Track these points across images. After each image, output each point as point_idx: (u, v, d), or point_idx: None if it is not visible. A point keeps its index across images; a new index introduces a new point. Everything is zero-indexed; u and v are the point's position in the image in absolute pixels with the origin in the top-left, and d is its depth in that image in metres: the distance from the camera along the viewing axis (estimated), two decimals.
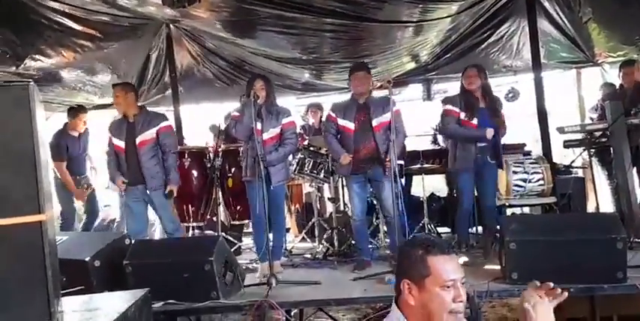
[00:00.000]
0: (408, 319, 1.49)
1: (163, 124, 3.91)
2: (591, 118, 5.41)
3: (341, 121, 3.79)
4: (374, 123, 3.70)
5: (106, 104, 6.39)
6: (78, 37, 4.86)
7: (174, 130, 4.02)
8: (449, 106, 3.89)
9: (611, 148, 4.21)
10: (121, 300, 2.12)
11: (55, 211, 4.80)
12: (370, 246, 4.15)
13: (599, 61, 6.26)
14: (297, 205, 5.83)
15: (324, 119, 6.01)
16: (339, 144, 3.80)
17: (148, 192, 3.82)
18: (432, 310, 1.45)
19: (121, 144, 3.87)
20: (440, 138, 5.38)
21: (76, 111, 5.13)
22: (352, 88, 3.84)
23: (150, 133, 3.85)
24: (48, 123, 5.09)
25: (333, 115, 3.84)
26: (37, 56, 4.90)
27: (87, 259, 3.03)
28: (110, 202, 5.82)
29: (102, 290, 2.73)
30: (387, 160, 3.59)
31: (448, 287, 1.46)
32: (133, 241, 3.29)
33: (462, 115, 3.82)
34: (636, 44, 3.29)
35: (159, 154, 3.88)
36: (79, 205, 5.38)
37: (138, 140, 3.81)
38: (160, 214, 3.91)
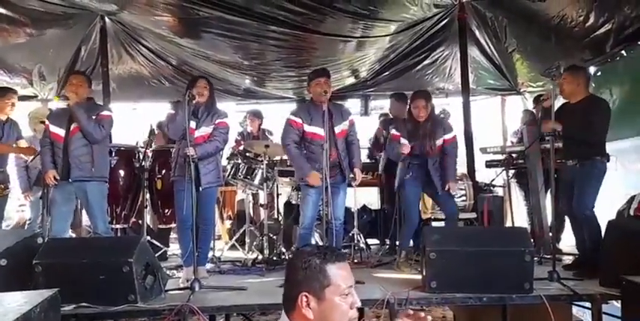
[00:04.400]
0: None
1: (104, 112, 3.71)
2: (512, 142, 5.81)
3: (309, 128, 3.63)
4: (336, 130, 3.66)
5: (28, 96, 5.98)
6: (1, 21, 4.53)
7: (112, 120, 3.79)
8: (394, 131, 4.03)
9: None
10: (25, 300, 1.97)
11: None
12: None
13: (521, 90, 6.77)
14: (230, 212, 5.74)
15: (263, 127, 6.06)
16: (304, 158, 3.63)
17: (86, 187, 3.58)
18: (333, 320, 1.40)
19: (61, 132, 3.61)
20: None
21: (3, 91, 4.61)
22: (314, 95, 3.69)
23: None
24: None
25: (299, 120, 3.64)
26: None
27: None
28: (24, 202, 5.40)
29: (8, 291, 2.51)
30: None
31: (346, 295, 1.41)
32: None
33: (402, 140, 3.95)
34: (550, 76, 3.60)
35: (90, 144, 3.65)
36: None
37: (72, 127, 3.58)
38: (93, 211, 3.64)
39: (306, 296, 1.38)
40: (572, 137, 3.51)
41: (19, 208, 5.52)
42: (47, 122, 3.69)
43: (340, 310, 1.39)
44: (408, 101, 4.09)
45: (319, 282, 1.39)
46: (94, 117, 3.64)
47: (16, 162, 4.93)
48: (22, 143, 4.67)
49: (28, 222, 5.23)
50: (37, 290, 2.28)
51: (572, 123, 3.50)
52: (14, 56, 5.43)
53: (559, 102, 3.74)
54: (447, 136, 3.99)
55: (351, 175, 3.76)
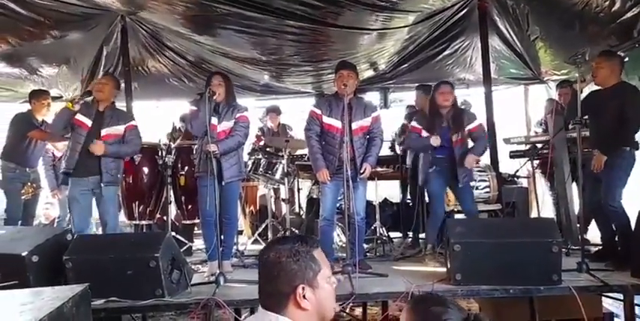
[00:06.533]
0: None
1: (132, 122, 3.87)
2: (535, 132, 5.69)
3: (327, 119, 3.65)
4: (353, 126, 3.62)
5: (53, 97, 6.11)
6: (24, 22, 4.62)
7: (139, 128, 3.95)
8: (414, 123, 4.02)
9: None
10: (57, 295, 2.01)
11: None
12: None
13: (545, 79, 6.61)
14: (252, 207, 5.79)
15: (283, 122, 6.09)
16: (320, 153, 3.64)
17: (101, 185, 3.68)
18: (327, 306, 1.38)
19: (88, 122, 3.72)
20: (397, 145, 5.50)
21: (39, 93, 4.78)
22: (337, 87, 3.67)
23: (117, 129, 3.78)
24: None
25: (319, 111, 3.68)
26: None
27: (24, 253, 2.89)
28: (52, 200, 5.54)
29: (39, 286, 2.58)
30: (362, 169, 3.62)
31: (329, 277, 1.40)
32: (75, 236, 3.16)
33: (423, 133, 3.94)
34: (575, 63, 3.50)
35: None
36: None
37: (103, 132, 3.72)
38: (106, 208, 3.73)
39: (303, 288, 1.34)
40: (602, 127, 3.41)
41: (45, 205, 5.67)
42: (75, 108, 3.73)
43: (331, 294, 1.40)
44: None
45: (312, 270, 1.35)
46: (123, 127, 3.78)
47: (44, 161, 5.06)
48: (58, 145, 4.80)
49: (57, 219, 5.37)
50: (67, 285, 2.34)
51: (602, 111, 3.40)
52: (39, 57, 5.54)
53: (587, 90, 3.64)
54: (471, 126, 3.98)
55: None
